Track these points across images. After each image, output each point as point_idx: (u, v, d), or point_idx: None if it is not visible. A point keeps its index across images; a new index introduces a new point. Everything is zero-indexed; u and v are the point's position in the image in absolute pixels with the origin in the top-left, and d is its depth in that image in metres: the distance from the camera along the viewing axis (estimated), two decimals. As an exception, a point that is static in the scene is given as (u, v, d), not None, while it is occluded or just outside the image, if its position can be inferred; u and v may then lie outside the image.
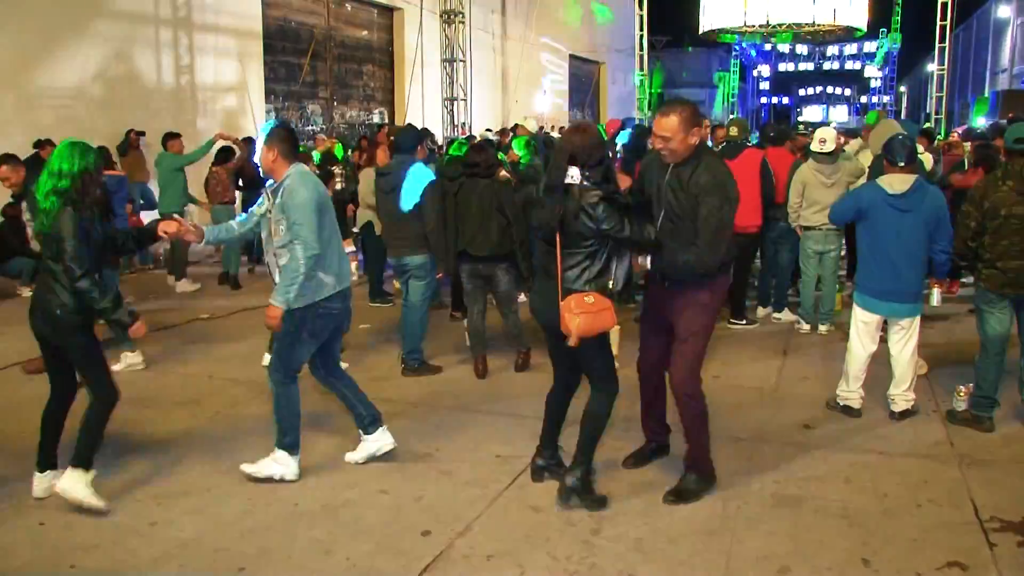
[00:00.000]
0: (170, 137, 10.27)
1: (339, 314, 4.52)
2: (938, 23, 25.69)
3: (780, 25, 33.70)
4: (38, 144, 10.60)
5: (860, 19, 33.84)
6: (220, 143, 10.19)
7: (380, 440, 4.69)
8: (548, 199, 3.96)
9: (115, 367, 6.10)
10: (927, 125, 10.74)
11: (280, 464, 4.45)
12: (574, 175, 3.87)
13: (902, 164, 5.09)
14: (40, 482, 4.29)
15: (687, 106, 4.05)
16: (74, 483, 4.08)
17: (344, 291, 4.48)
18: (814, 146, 7.30)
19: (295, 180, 4.25)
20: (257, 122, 15.28)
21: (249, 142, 11.19)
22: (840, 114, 61.73)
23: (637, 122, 20.84)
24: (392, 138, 11.27)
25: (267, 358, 6.08)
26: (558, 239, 3.90)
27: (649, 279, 4.50)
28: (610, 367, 4.20)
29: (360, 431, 4.71)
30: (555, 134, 16.59)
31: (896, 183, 5.08)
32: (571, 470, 4.14)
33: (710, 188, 3.96)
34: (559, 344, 4.06)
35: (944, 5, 25.45)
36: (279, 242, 4.30)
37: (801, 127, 16.12)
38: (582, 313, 3.83)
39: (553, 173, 3.98)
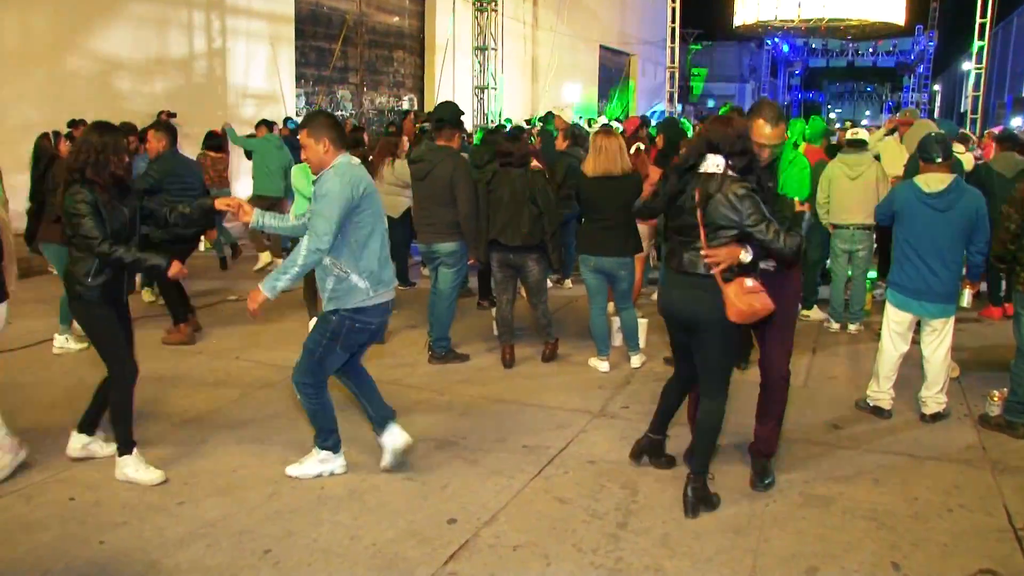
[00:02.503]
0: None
1: (376, 329, 4.28)
2: (977, 21, 25.24)
3: (817, 20, 33.31)
4: (72, 124, 10.70)
5: (897, 15, 33.40)
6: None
7: (392, 438, 4.43)
8: (668, 184, 4.02)
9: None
10: (962, 130, 10.52)
11: (325, 463, 4.37)
12: (718, 164, 3.85)
13: (939, 160, 5.02)
14: (74, 440, 4.52)
15: (780, 106, 4.20)
16: (126, 470, 4.26)
17: (384, 304, 4.20)
18: (848, 136, 7.39)
19: (336, 170, 3.99)
20: (287, 106, 15.35)
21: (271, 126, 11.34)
22: (871, 111, 61.22)
23: (668, 114, 20.72)
24: (420, 125, 11.36)
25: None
26: (701, 225, 3.84)
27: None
28: (730, 369, 4.16)
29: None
30: (585, 125, 16.52)
31: (932, 182, 5.01)
32: (691, 482, 4.03)
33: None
34: (692, 339, 4.06)
35: (984, 2, 25.00)
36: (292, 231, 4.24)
37: (837, 124, 16.01)
38: (746, 296, 3.82)
39: (686, 158, 4.00)
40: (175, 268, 4.30)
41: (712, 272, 3.85)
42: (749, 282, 3.84)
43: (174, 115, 12.67)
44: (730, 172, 3.84)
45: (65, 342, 6.58)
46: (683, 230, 3.96)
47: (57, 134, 6.80)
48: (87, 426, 4.54)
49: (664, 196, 4.07)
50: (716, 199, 3.80)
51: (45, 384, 5.80)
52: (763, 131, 4.07)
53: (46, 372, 6.07)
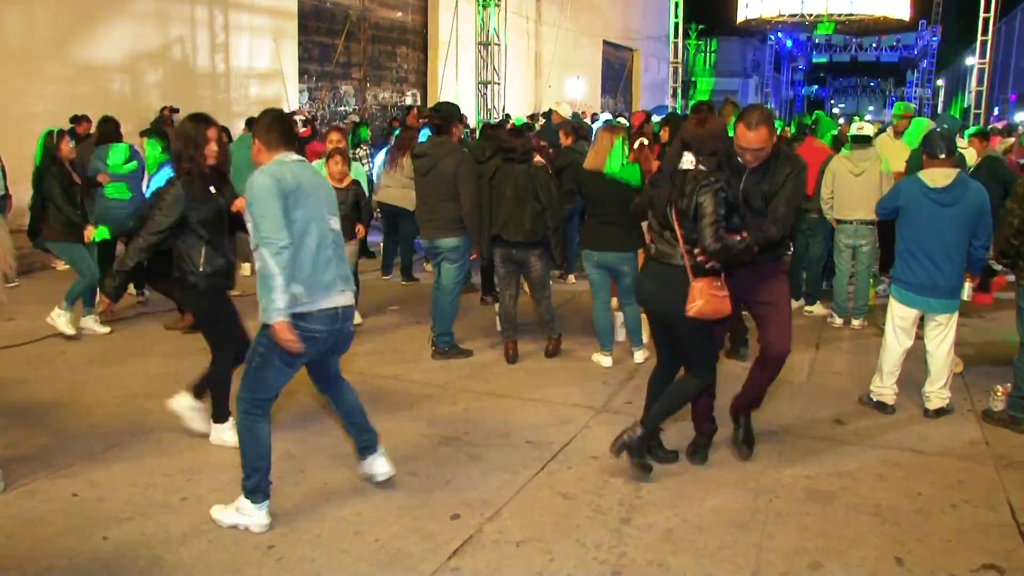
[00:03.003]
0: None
1: (323, 338, 3.76)
2: (981, 15, 25.16)
3: (820, 15, 33.23)
4: (75, 119, 10.70)
5: (902, 10, 33.30)
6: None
7: (371, 468, 4.16)
8: (660, 183, 4.16)
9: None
10: (975, 128, 10.46)
11: (242, 513, 3.77)
12: (691, 160, 4.02)
13: (943, 156, 5.01)
14: (213, 432, 4.76)
15: (766, 112, 4.28)
16: (222, 435, 4.67)
17: (332, 312, 3.75)
18: (852, 130, 7.36)
19: (260, 170, 3.70)
20: (290, 101, 15.33)
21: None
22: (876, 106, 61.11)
23: (670, 110, 20.68)
24: (423, 120, 11.36)
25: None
26: (676, 222, 4.02)
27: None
28: (711, 354, 4.35)
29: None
30: (588, 120, 16.50)
31: (937, 177, 5.00)
32: (633, 428, 4.24)
33: (794, 174, 4.29)
34: (666, 330, 4.31)
35: (988, -4, 24.93)
36: (252, 244, 3.68)
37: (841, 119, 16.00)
38: (710, 296, 3.96)
39: (667, 159, 4.21)
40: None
41: (684, 263, 4.02)
42: (718, 282, 4.02)
43: (177, 111, 12.68)
44: (701, 168, 4.01)
45: (92, 323, 6.96)
46: (661, 221, 4.14)
47: (61, 132, 6.79)
48: (215, 415, 4.76)
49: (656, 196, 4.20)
50: (688, 195, 3.97)
51: (48, 380, 5.80)
52: (744, 135, 4.19)
53: (49, 368, 6.08)
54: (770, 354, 4.46)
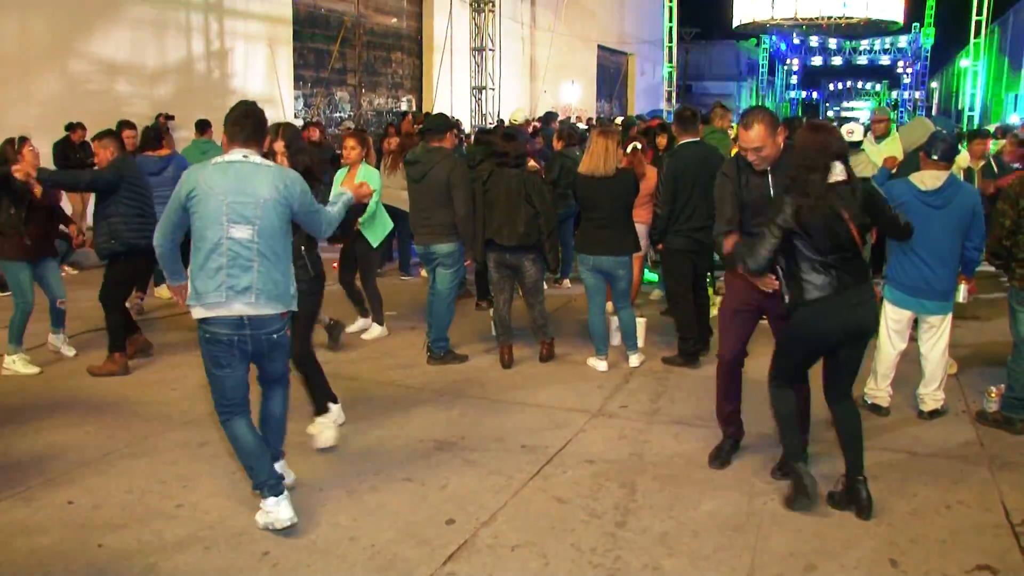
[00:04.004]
0: (204, 125, 10.35)
1: (231, 343, 3.72)
2: (973, 18, 25.30)
3: (814, 18, 33.38)
4: (70, 127, 10.71)
5: (895, 13, 33.45)
6: None
7: (269, 512, 3.81)
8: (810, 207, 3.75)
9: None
10: (990, 128, 10.46)
11: (265, 511, 3.80)
12: (842, 172, 3.78)
13: (935, 158, 5.02)
14: (324, 428, 4.82)
15: (765, 112, 4.22)
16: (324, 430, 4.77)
17: (238, 319, 3.69)
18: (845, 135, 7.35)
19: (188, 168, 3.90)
20: (286, 108, 15.35)
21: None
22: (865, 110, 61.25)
23: (664, 114, 20.72)
24: (418, 126, 11.41)
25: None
26: (856, 237, 3.80)
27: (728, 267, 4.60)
28: None
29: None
30: (582, 125, 16.53)
31: (928, 179, 5.01)
32: (860, 481, 4.02)
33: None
34: (841, 351, 4.00)
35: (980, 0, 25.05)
36: None
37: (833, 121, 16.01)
38: None
39: (819, 174, 3.76)
40: None
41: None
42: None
43: (172, 117, 12.70)
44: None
45: (62, 343, 6.55)
46: (842, 245, 3.81)
47: (23, 139, 6.32)
48: (321, 405, 4.91)
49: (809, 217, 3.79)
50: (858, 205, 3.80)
51: (42, 388, 5.80)
52: (743, 136, 4.16)
53: (42, 377, 6.07)
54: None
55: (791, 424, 4.17)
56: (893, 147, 8.18)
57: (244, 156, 3.77)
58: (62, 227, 6.72)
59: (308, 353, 4.89)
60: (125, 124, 8.79)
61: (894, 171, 7.29)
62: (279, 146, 4.56)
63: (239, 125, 3.82)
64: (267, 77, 15.40)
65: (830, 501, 4.06)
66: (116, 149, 6.21)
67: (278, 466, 4.05)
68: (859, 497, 3.98)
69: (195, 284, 3.70)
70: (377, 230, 6.94)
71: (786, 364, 4.15)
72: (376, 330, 7.13)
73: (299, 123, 14.68)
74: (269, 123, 4.08)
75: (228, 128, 3.83)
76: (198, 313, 3.72)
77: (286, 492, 3.83)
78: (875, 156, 8.01)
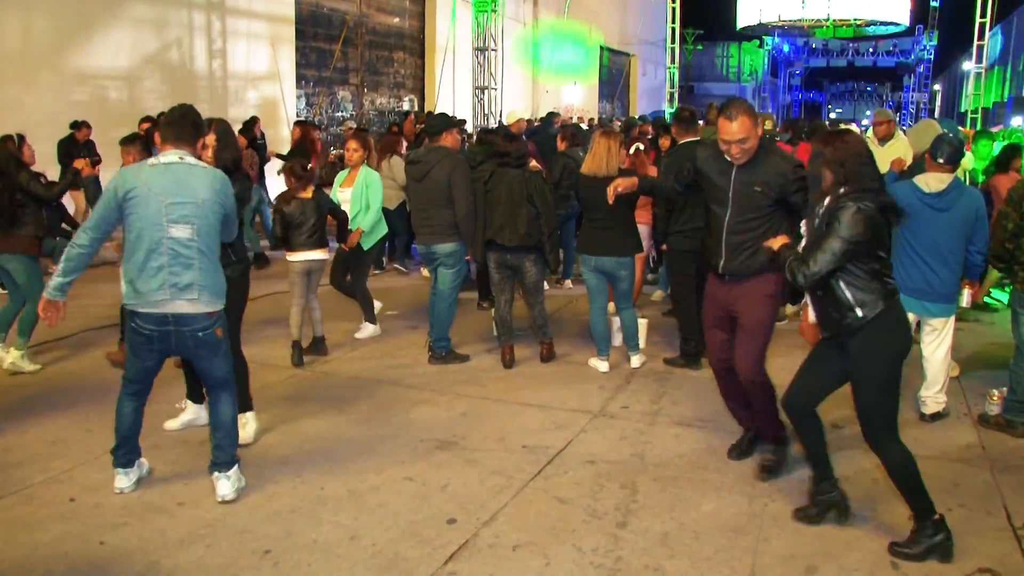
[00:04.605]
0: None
1: (152, 337, 3.90)
2: (977, 20, 25.26)
3: (819, 20, 33.38)
4: (74, 126, 10.72)
5: (901, 15, 33.45)
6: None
7: (216, 484, 4.09)
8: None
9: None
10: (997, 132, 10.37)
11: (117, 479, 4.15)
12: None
13: (940, 161, 5.02)
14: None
15: (746, 102, 4.16)
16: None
17: (160, 316, 3.84)
18: None
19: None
20: (288, 107, 15.35)
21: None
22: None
23: (665, 115, 20.72)
24: (420, 126, 11.45)
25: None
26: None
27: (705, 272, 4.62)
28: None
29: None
30: (584, 126, 16.53)
31: (932, 182, 5.01)
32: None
33: (797, 180, 4.20)
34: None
35: (984, 2, 24.99)
36: None
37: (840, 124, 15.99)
38: None
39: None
40: None
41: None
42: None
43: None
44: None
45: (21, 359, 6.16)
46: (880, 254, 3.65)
47: (22, 138, 6.33)
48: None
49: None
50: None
51: (44, 385, 5.80)
52: (726, 128, 4.08)
53: (44, 373, 6.08)
54: (740, 372, 4.38)
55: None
56: (899, 149, 8.16)
57: (180, 157, 3.89)
58: (65, 225, 6.76)
59: (237, 351, 4.75)
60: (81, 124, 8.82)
61: (900, 174, 7.27)
62: (210, 139, 4.56)
63: (176, 126, 3.94)
64: (269, 76, 15.39)
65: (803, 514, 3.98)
66: (140, 154, 6.26)
67: (232, 473, 4.10)
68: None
69: (135, 284, 3.82)
70: (371, 235, 6.96)
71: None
72: (369, 329, 7.13)
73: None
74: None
75: (164, 129, 3.96)
76: (132, 305, 3.88)
77: (135, 467, 4.18)
78: (880, 158, 7.98)
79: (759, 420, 4.53)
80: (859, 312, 3.54)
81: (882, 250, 3.62)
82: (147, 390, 4.16)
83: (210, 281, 3.91)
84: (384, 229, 7.27)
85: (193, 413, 5.02)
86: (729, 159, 4.21)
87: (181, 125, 3.94)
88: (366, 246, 6.96)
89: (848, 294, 3.56)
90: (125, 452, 4.15)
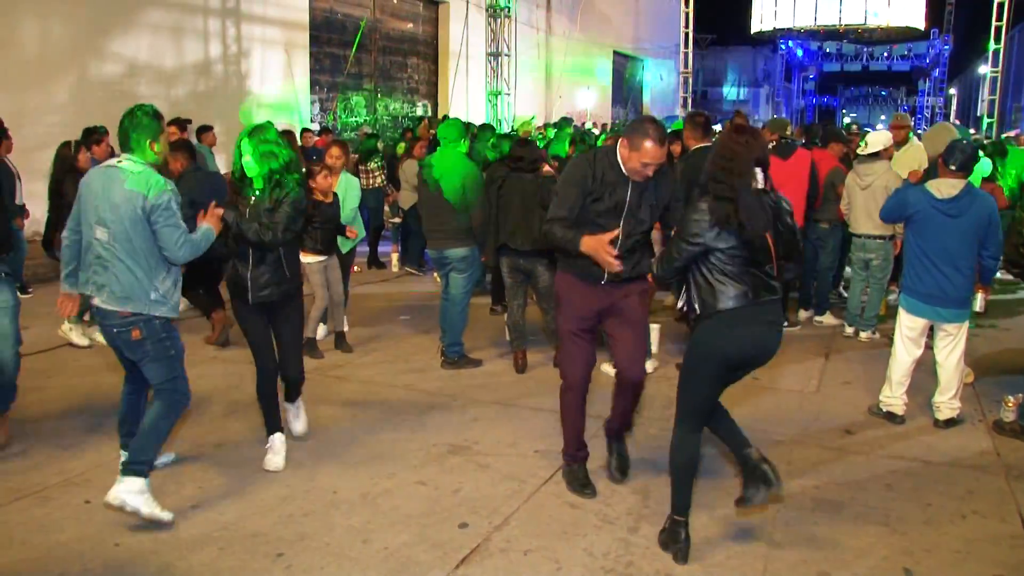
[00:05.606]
0: (204, 130, 10.45)
1: (110, 333, 4.00)
2: (993, 24, 25.12)
3: (834, 25, 33.27)
4: (88, 132, 10.75)
5: (917, 19, 33.30)
6: None
7: (117, 483, 3.84)
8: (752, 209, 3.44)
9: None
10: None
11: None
12: (762, 180, 3.49)
13: (952, 168, 5.00)
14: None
15: (662, 127, 3.99)
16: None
17: (111, 312, 3.92)
18: (860, 149, 7.33)
19: None
20: (303, 112, 15.43)
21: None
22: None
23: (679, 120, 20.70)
24: (434, 132, 11.51)
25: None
26: (772, 248, 3.52)
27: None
28: None
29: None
30: (596, 131, 16.54)
31: (944, 188, 5.00)
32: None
33: (678, 194, 4.28)
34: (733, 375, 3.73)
35: (1000, 5, 24.86)
36: None
37: (855, 128, 15.92)
38: None
39: (744, 180, 3.46)
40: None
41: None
42: None
43: (189, 121, 12.76)
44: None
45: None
46: (758, 256, 3.51)
47: (79, 144, 6.81)
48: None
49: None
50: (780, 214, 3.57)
51: (61, 388, 5.85)
52: (654, 152, 3.86)
53: (62, 376, 6.13)
54: (624, 379, 4.26)
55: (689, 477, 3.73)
56: (914, 154, 8.13)
57: (119, 161, 3.97)
58: None
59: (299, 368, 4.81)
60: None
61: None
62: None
63: (120, 130, 4.00)
64: (284, 82, 15.48)
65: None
66: (187, 160, 6.50)
67: (122, 485, 3.81)
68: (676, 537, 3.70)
69: (88, 275, 4.02)
70: (349, 239, 6.99)
71: (694, 396, 3.65)
72: (321, 329, 7.10)
73: (315, 127, 14.76)
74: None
75: (118, 133, 4.01)
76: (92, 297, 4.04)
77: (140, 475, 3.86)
78: (896, 164, 7.95)
79: (618, 418, 4.44)
80: (697, 308, 3.61)
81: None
82: (139, 379, 4.27)
83: (117, 287, 3.88)
84: (363, 233, 7.46)
85: (280, 442, 4.67)
86: (633, 176, 3.98)
87: (125, 129, 3.98)
88: (344, 249, 7.02)
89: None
90: (123, 434, 4.37)
